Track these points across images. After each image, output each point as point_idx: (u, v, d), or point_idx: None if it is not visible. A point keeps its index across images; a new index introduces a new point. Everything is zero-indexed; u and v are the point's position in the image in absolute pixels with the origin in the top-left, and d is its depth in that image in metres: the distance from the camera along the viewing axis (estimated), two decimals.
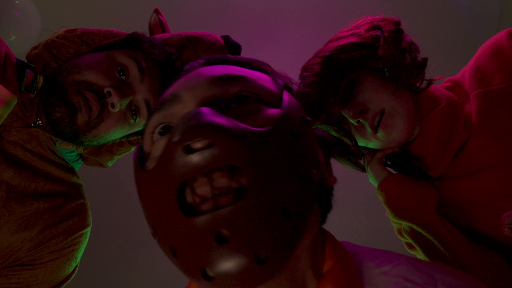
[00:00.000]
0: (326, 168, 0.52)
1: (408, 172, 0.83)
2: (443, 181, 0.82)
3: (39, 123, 0.76)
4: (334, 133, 0.82)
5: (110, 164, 0.91)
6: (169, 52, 0.83)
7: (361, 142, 0.83)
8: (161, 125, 0.46)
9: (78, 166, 0.88)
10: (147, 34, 0.87)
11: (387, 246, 0.52)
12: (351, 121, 0.78)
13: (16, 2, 1.58)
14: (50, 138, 0.78)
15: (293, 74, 0.75)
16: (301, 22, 2.08)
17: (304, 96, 0.79)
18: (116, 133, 0.80)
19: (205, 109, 0.38)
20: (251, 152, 0.38)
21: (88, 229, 0.85)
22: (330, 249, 0.46)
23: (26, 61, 0.80)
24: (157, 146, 0.45)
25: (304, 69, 0.82)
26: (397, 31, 0.78)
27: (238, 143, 0.37)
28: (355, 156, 0.89)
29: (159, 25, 1.01)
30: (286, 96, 0.48)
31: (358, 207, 2.23)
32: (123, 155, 0.91)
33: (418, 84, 0.79)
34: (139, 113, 0.79)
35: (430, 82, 0.80)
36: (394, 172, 0.85)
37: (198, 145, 0.37)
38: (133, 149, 0.90)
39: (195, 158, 0.37)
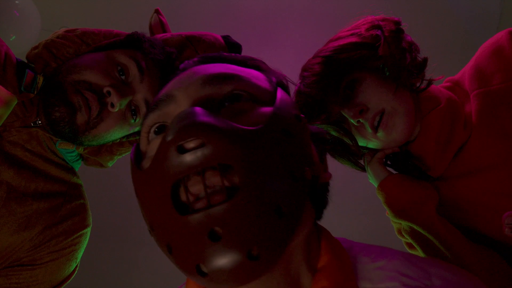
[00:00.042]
0: (321, 164, 0.53)
1: (408, 172, 0.83)
2: (443, 181, 0.82)
3: (39, 123, 0.76)
4: (334, 133, 0.82)
5: (110, 164, 0.91)
6: (169, 52, 0.83)
7: (361, 142, 0.83)
8: (156, 125, 0.47)
9: (78, 166, 0.88)
10: (147, 34, 0.87)
11: (387, 246, 0.52)
12: (351, 121, 0.78)
13: (16, 2, 1.58)
14: (50, 138, 0.78)
15: (293, 74, 0.75)
16: (301, 22, 2.08)
17: (304, 96, 0.79)
18: (116, 133, 0.80)
19: (198, 109, 0.39)
20: (243, 151, 0.38)
21: (88, 229, 0.85)
22: (325, 244, 0.47)
23: (26, 61, 0.80)
24: (152, 145, 0.46)
25: (304, 69, 0.82)
26: (397, 31, 0.78)
27: (230, 142, 0.38)
28: (355, 156, 0.89)
29: (159, 25, 1.01)
30: (279, 94, 0.48)
31: (358, 207, 2.23)
32: (123, 155, 0.91)
33: (418, 84, 0.79)
34: (139, 113, 0.79)
35: (430, 82, 0.80)
36: (394, 172, 0.85)
37: (191, 144, 0.38)
38: None
39: (188, 157, 0.38)
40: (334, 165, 0.86)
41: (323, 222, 0.52)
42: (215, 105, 0.44)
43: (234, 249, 0.36)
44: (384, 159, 0.85)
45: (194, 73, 0.48)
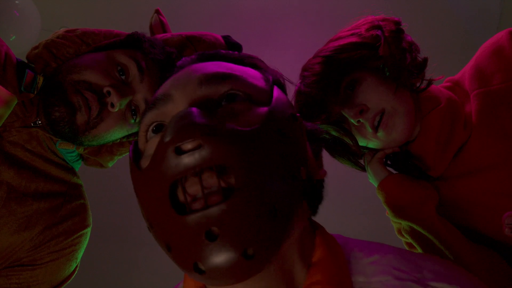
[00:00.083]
0: (316, 162, 0.53)
1: (408, 172, 0.83)
2: (443, 181, 0.82)
3: (39, 123, 0.76)
4: (334, 133, 0.82)
5: (110, 164, 0.91)
6: (169, 51, 0.83)
7: (362, 142, 0.83)
8: (154, 124, 0.47)
9: (78, 166, 0.88)
10: (148, 34, 0.87)
11: None
12: (352, 120, 0.78)
13: (16, 2, 1.58)
14: (50, 138, 0.78)
15: (293, 74, 0.75)
16: (301, 22, 2.08)
17: (305, 96, 0.79)
18: (116, 133, 0.80)
19: (195, 110, 0.40)
20: (238, 152, 0.39)
21: (88, 229, 0.85)
22: (320, 240, 0.48)
23: (26, 61, 0.80)
24: (151, 144, 0.46)
25: (304, 68, 0.82)
26: (397, 31, 0.78)
27: (226, 144, 0.39)
28: (356, 156, 0.89)
29: (160, 26, 1.01)
30: (275, 93, 0.48)
31: (358, 206, 2.23)
32: (124, 155, 0.91)
33: (418, 84, 0.79)
34: (139, 113, 0.79)
35: (430, 82, 0.80)
36: (394, 171, 0.85)
37: (188, 146, 0.39)
38: None
39: (185, 159, 0.38)
40: (334, 165, 0.86)
41: (323, 223, 0.52)
42: (212, 105, 0.45)
43: (230, 248, 0.37)
44: (384, 159, 0.85)
45: (191, 72, 0.48)
